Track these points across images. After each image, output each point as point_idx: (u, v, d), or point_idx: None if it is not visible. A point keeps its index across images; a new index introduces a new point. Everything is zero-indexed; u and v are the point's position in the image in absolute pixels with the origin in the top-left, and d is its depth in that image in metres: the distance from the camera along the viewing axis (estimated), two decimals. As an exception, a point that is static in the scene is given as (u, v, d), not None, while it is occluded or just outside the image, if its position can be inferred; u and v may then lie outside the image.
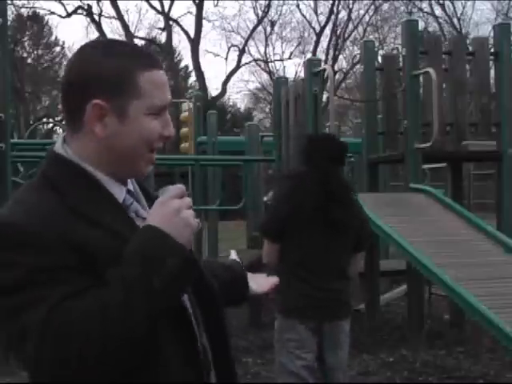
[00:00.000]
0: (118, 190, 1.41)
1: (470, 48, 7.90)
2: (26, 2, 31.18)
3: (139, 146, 1.37)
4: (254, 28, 32.24)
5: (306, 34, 32.40)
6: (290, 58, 40.43)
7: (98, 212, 1.33)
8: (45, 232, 1.25)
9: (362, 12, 30.78)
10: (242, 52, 32.46)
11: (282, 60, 34.00)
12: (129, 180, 1.46)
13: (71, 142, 1.40)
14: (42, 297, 1.21)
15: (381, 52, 22.94)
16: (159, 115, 1.38)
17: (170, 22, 32.10)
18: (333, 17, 30.87)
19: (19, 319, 1.22)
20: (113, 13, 31.58)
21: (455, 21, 29.91)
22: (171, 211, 1.29)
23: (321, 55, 29.53)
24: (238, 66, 32.83)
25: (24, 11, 30.95)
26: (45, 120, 31.55)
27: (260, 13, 31.97)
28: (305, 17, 32.60)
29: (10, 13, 26.33)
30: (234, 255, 1.87)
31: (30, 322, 1.21)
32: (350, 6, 30.43)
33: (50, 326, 1.20)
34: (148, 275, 1.23)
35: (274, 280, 1.81)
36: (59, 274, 1.24)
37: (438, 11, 30.39)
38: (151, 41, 32.81)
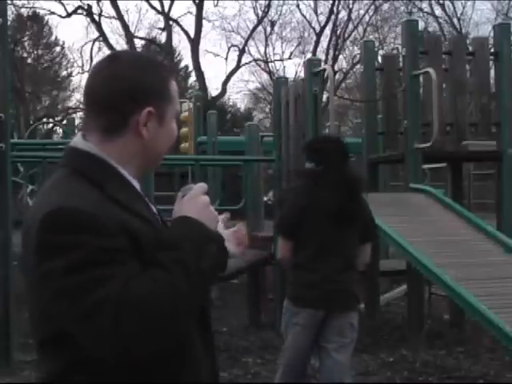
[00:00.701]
0: (136, 185, 1.55)
1: (470, 48, 7.90)
2: (25, 2, 31.04)
3: (168, 146, 1.58)
4: (254, 28, 32.23)
5: (306, 34, 32.41)
6: (290, 58, 40.26)
7: (131, 202, 1.46)
8: (107, 218, 1.37)
9: (362, 12, 30.79)
10: (242, 52, 32.45)
11: (282, 60, 33.98)
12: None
13: (101, 144, 1.50)
14: (111, 275, 1.32)
15: (381, 52, 22.92)
16: None
17: (170, 22, 32.08)
18: (333, 17, 30.86)
19: (88, 296, 1.30)
20: (113, 13, 31.56)
21: (455, 21, 29.90)
22: (202, 205, 1.49)
23: (321, 55, 29.52)
24: (238, 66, 32.82)
25: (24, 11, 30.95)
26: (45, 120, 31.53)
27: (260, 13, 31.97)
28: (305, 17, 32.60)
29: (10, 13, 26.33)
30: (220, 228, 1.83)
31: (103, 298, 1.30)
32: (350, 5, 30.42)
33: (126, 300, 1.30)
34: (198, 259, 1.39)
35: (240, 230, 1.83)
36: (121, 255, 1.35)
37: (438, 11, 30.41)
38: (151, 41, 32.81)
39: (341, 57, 32.03)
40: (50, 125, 30.20)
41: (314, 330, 3.97)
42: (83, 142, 1.51)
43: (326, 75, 7.48)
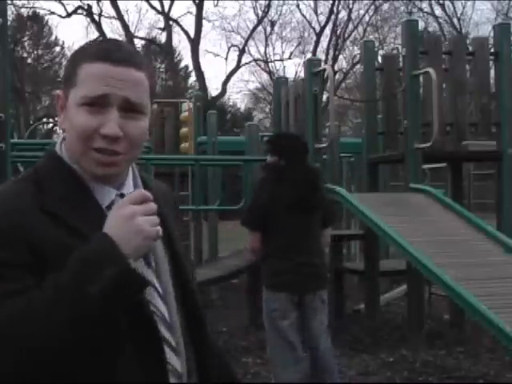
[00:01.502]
0: (104, 193, 1.38)
1: (470, 48, 7.89)
2: (25, 2, 31.26)
3: (75, 140, 1.34)
4: (254, 28, 32.28)
5: (306, 34, 32.47)
6: (290, 58, 40.49)
7: (70, 212, 1.31)
8: (9, 228, 1.25)
9: (362, 12, 30.83)
10: (242, 52, 32.50)
11: (282, 60, 34.08)
12: (130, 184, 1.43)
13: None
14: None
15: (381, 52, 22.95)
16: (97, 110, 1.32)
17: (170, 22, 32.11)
18: (333, 17, 30.89)
19: None
20: (113, 13, 31.62)
21: (455, 21, 29.93)
22: (123, 217, 1.26)
23: (321, 55, 29.56)
24: (238, 66, 32.85)
25: (24, 11, 31.00)
26: (45, 120, 31.55)
27: (260, 13, 32.03)
28: (305, 17, 32.68)
29: (10, 13, 26.34)
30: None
31: None
32: (350, 5, 30.46)
33: None
34: (81, 282, 1.20)
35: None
36: (6, 270, 1.23)
37: (438, 11, 30.45)
38: (151, 41, 32.83)
39: (341, 57, 32.12)
40: (50, 125, 30.23)
41: (293, 312, 4.35)
42: (59, 141, 1.42)
43: (326, 75, 7.48)
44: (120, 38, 31.09)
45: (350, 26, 31.05)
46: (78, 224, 1.30)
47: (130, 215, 1.25)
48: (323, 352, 4.49)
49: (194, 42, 31.37)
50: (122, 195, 1.40)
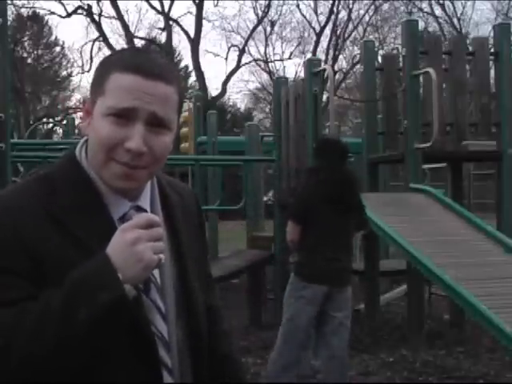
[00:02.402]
0: (118, 204, 1.35)
1: (470, 48, 7.90)
2: (25, 2, 31.24)
3: (96, 150, 1.32)
4: (254, 28, 32.26)
5: (306, 34, 32.45)
6: (290, 58, 40.51)
7: (76, 220, 1.29)
8: (4, 233, 1.25)
9: (362, 12, 30.81)
10: (242, 52, 32.47)
11: (282, 60, 34.06)
12: (147, 196, 1.40)
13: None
14: None
15: (381, 52, 22.94)
16: (123, 122, 1.30)
17: (170, 22, 32.09)
18: (333, 17, 30.88)
19: None
20: (113, 13, 31.58)
21: (455, 21, 29.92)
22: (125, 242, 1.23)
23: (321, 55, 29.55)
24: (238, 66, 32.83)
25: (24, 11, 30.97)
26: (45, 120, 31.55)
27: (260, 13, 32.00)
28: (305, 17, 32.67)
29: (10, 13, 26.34)
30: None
31: None
32: (350, 5, 30.45)
33: None
34: (72, 306, 1.20)
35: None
36: (3, 278, 1.23)
37: (438, 11, 30.43)
38: (151, 41, 32.79)
39: (341, 57, 32.11)
40: (50, 125, 30.23)
41: (317, 303, 4.57)
42: (80, 144, 1.39)
43: (326, 75, 7.48)
44: (120, 38, 31.20)
45: (350, 26, 31.07)
46: (81, 233, 1.28)
47: (133, 241, 1.23)
48: (336, 349, 4.66)
49: (194, 42, 31.35)
50: (137, 207, 1.37)
